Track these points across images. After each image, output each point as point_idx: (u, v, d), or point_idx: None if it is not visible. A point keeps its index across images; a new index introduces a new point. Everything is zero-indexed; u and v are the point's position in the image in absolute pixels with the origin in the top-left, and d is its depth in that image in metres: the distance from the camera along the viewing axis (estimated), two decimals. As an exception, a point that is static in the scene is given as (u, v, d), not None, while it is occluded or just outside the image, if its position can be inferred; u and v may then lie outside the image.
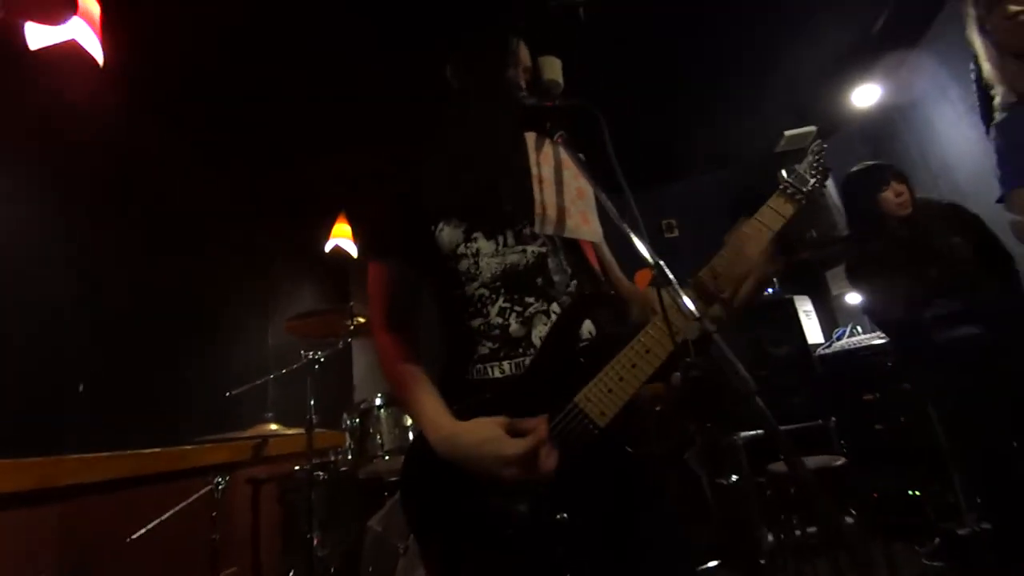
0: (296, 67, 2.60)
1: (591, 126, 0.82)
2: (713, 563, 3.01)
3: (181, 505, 2.01)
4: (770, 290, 3.33)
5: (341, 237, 3.39)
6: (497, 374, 0.94)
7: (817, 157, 1.02)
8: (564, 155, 0.96)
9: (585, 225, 0.97)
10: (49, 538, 1.86)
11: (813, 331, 3.54)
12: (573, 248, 1.02)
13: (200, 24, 2.21)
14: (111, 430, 2.14)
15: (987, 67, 1.54)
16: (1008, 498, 2.04)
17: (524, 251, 0.97)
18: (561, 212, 0.96)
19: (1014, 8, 1.38)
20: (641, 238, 0.75)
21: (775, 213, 0.95)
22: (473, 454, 0.81)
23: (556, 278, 0.97)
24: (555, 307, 0.95)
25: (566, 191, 0.97)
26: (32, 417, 1.87)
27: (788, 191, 0.96)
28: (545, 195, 0.96)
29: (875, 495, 3.00)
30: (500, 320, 0.95)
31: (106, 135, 2.37)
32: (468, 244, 0.97)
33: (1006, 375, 1.90)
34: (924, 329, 2.20)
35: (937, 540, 2.53)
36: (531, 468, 0.78)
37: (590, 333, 0.96)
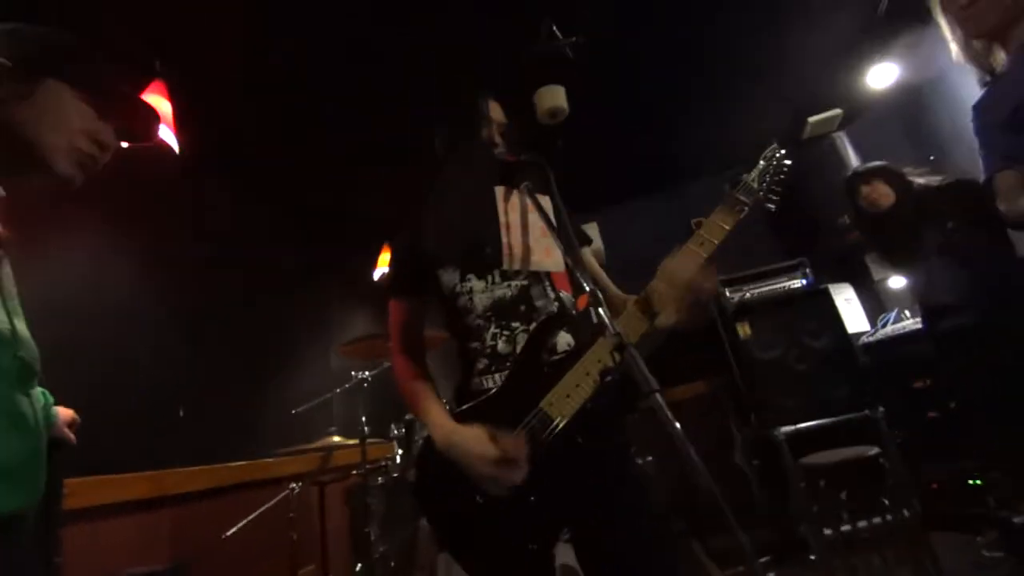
0: (323, 123, 3.00)
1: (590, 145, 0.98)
2: (764, 559, 3.02)
3: (264, 507, 2.38)
4: (804, 281, 3.28)
5: (387, 266, 3.74)
6: (490, 384, 1.15)
7: (769, 163, 1.10)
8: (529, 201, 1.15)
9: (548, 259, 1.16)
10: (163, 536, 2.27)
11: (857, 319, 3.44)
12: (551, 278, 1.21)
13: (245, 97, 2.63)
14: (205, 447, 2.55)
15: (954, 48, 1.54)
16: None
17: (509, 285, 1.18)
18: (526, 250, 1.15)
19: None
20: (582, 270, 0.92)
21: (717, 226, 1.01)
22: (464, 448, 1.01)
23: (539, 303, 1.17)
24: (532, 327, 1.15)
25: (531, 232, 1.17)
26: (142, 439, 2.29)
27: (730, 202, 1.03)
28: (512, 238, 1.16)
29: (934, 485, 2.89)
30: (492, 342, 1.17)
31: (184, 203, 2.86)
32: (463, 284, 1.20)
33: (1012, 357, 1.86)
34: (931, 319, 2.25)
35: (996, 531, 2.43)
36: (505, 470, 0.96)
37: (568, 345, 1.15)
